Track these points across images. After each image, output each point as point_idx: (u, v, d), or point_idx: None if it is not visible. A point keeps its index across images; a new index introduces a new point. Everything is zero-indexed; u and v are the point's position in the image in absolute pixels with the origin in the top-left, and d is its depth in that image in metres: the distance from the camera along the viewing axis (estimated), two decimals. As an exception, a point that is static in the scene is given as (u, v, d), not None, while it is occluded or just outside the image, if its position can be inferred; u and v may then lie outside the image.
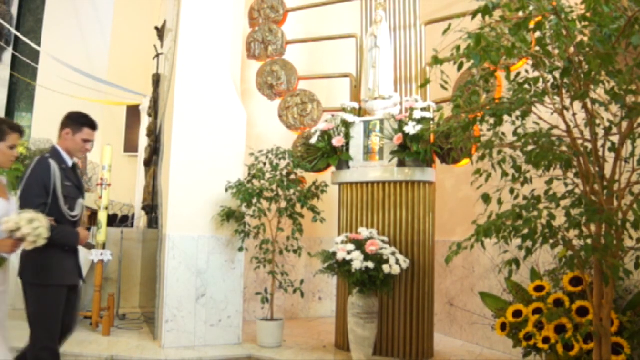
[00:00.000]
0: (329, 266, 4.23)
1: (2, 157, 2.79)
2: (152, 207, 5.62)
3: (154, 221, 5.39)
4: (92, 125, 3.13)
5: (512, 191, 2.51)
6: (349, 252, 4.07)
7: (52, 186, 2.88)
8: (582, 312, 2.97)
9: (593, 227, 2.40)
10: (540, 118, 2.53)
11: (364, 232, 4.30)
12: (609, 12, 2.04)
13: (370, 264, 3.98)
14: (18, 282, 3.05)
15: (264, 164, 4.74)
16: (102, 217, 5.06)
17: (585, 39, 2.16)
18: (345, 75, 5.15)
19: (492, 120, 2.50)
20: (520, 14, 2.17)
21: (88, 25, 9.27)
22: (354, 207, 4.62)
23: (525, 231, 2.28)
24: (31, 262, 2.89)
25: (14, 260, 2.93)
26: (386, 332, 4.35)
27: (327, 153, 4.75)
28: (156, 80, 6.25)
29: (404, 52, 4.79)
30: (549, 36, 2.25)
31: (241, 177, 4.76)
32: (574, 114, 2.45)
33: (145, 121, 6.98)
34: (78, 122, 3.09)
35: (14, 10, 9.66)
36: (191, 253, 4.54)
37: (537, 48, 2.28)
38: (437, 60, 2.38)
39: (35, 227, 2.54)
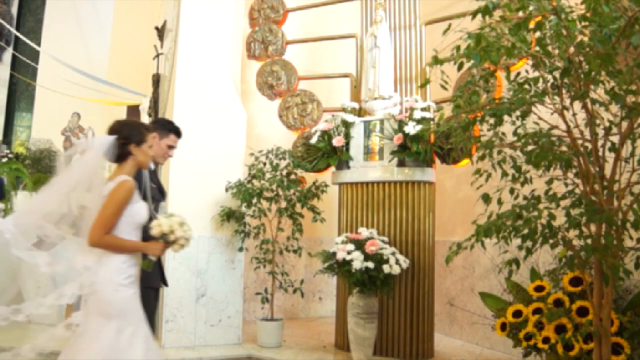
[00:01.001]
0: (329, 266, 4.23)
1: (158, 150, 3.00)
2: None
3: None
4: (178, 132, 3.16)
5: (512, 191, 2.51)
6: (349, 252, 4.07)
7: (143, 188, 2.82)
8: (582, 312, 2.97)
9: (593, 227, 2.40)
10: (540, 118, 2.53)
11: (364, 232, 4.30)
12: (609, 12, 2.04)
13: (370, 264, 3.98)
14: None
15: (264, 164, 4.74)
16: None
17: (585, 39, 2.16)
18: (345, 75, 5.15)
19: (492, 120, 2.50)
20: (520, 14, 2.17)
21: (88, 25, 9.26)
22: (354, 207, 4.62)
23: (525, 231, 2.28)
24: None
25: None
26: (386, 332, 4.35)
27: (327, 153, 4.75)
28: (156, 80, 6.25)
29: (404, 52, 4.79)
30: (549, 36, 2.25)
31: (241, 177, 4.76)
32: (574, 114, 2.45)
33: (145, 121, 6.96)
34: (165, 127, 3.12)
35: (14, 10, 9.66)
36: (191, 253, 4.53)
37: (537, 48, 2.28)
38: (437, 60, 2.38)
39: (186, 230, 2.52)
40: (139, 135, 2.59)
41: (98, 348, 2.26)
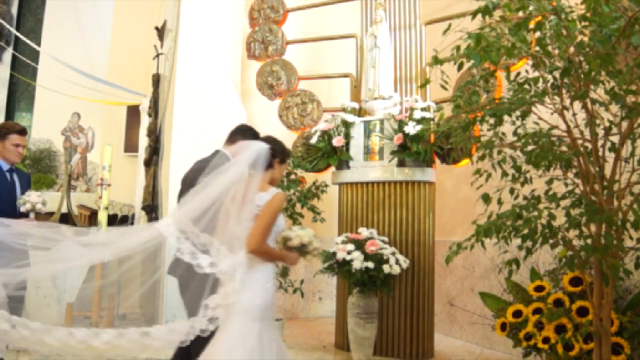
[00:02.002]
0: (329, 266, 4.23)
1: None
2: (152, 207, 5.61)
3: (154, 221, 5.38)
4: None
5: (512, 191, 2.51)
6: (349, 252, 4.07)
7: None
8: (582, 312, 2.97)
9: (593, 227, 2.40)
10: (540, 118, 2.52)
11: (364, 232, 4.30)
12: (609, 12, 2.04)
13: (370, 264, 3.98)
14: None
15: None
16: (102, 217, 5.05)
17: (585, 39, 2.16)
18: (345, 75, 5.15)
19: (492, 120, 2.50)
20: (520, 14, 2.17)
21: (88, 25, 9.26)
22: (354, 207, 4.62)
23: (525, 231, 2.28)
24: None
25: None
26: (386, 332, 4.35)
27: (327, 153, 4.75)
28: (156, 80, 6.25)
29: (404, 52, 4.79)
30: (549, 36, 2.25)
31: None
32: (574, 114, 2.45)
33: (145, 121, 6.97)
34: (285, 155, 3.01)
35: (14, 10, 9.66)
36: (191, 253, 4.52)
37: (537, 48, 2.28)
38: (437, 60, 2.38)
39: (318, 242, 2.63)
40: (283, 155, 2.71)
41: (244, 350, 2.36)
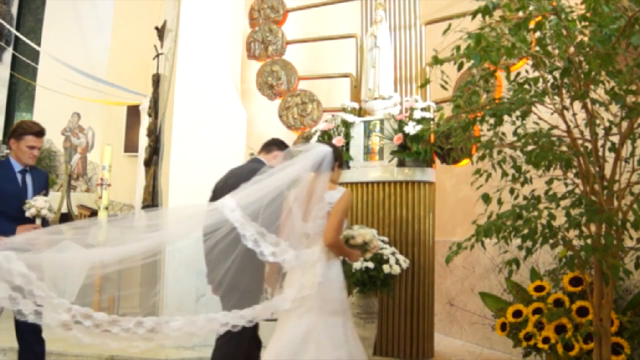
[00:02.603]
0: (329, 266, 4.22)
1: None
2: (152, 207, 5.61)
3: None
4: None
5: (512, 191, 2.51)
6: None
7: None
8: (582, 312, 2.97)
9: (593, 227, 2.40)
10: (540, 118, 2.52)
11: (364, 232, 4.30)
12: (609, 12, 2.04)
13: (370, 264, 3.98)
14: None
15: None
16: (102, 217, 5.06)
17: (585, 39, 2.16)
18: (345, 75, 5.15)
19: (492, 120, 2.50)
20: (520, 14, 2.17)
21: (88, 25, 9.26)
22: (354, 207, 4.62)
23: (525, 231, 2.28)
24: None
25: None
26: (386, 332, 4.35)
27: (327, 153, 4.75)
28: (156, 80, 6.25)
29: (404, 52, 4.79)
30: (549, 36, 2.25)
31: (241, 177, 4.76)
32: (574, 114, 2.45)
33: (145, 121, 6.97)
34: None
35: (14, 10, 9.66)
36: (191, 253, 4.53)
37: (537, 48, 2.28)
38: (437, 60, 2.38)
39: (377, 240, 2.92)
40: (341, 160, 2.94)
41: (334, 341, 2.48)
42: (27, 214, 3.26)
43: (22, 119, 9.70)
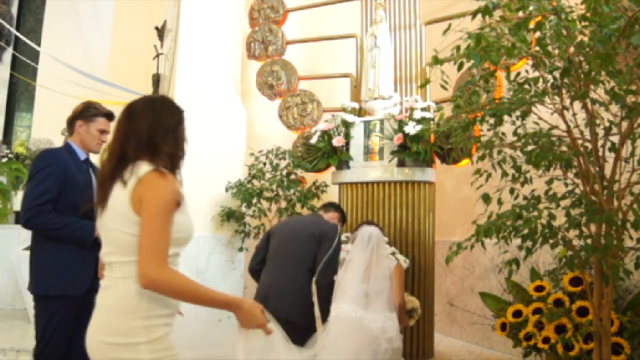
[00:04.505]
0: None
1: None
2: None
3: None
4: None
5: (512, 191, 2.50)
6: (348, 252, 4.06)
7: None
8: (582, 312, 2.97)
9: (593, 227, 2.40)
10: (540, 118, 2.53)
11: (364, 232, 4.30)
12: (609, 12, 2.04)
13: (370, 264, 3.98)
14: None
15: (264, 164, 4.73)
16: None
17: (585, 39, 2.16)
18: (345, 75, 5.15)
19: (492, 120, 2.50)
20: (520, 14, 2.17)
21: (88, 25, 9.25)
22: (354, 207, 4.62)
23: (525, 231, 2.28)
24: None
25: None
26: (386, 332, 4.35)
27: (327, 153, 4.75)
28: (156, 80, 6.24)
29: (404, 52, 4.79)
30: (549, 36, 2.25)
31: (241, 177, 4.76)
32: (574, 114, 2.45)
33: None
34: None
35: (14, 10, 9.65)
36: (191, 253, 4.53)
37: (537, 48, 2.28)
38: (437, 60, 2.38)
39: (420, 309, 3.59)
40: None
41: None
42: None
43: (22, 119, 9.70)
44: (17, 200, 7.53)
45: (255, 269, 3.30)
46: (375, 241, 3.26)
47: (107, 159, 1.63)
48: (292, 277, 3.07)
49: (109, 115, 2.85)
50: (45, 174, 2.51)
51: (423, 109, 4.36)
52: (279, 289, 3.05)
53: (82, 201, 2.55)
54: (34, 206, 2.44)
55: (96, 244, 2.49)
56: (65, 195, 2.52)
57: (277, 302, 2.91)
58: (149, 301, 1.55)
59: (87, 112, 2.83)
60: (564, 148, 2.43)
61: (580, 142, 2.41)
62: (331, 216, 3.53)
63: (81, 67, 7.64)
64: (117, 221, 1.56)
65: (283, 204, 4.70)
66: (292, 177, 4.75)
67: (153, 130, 1.61)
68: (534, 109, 2.48)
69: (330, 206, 3.65)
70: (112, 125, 1.99)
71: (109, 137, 2.36)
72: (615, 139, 2.41)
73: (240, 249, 4.70)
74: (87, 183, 2.64)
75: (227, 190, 4.67)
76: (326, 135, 4.75)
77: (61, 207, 2.50)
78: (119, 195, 1.56)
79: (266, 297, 2.99)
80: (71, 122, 2.80)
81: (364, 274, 3.11)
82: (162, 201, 1.51)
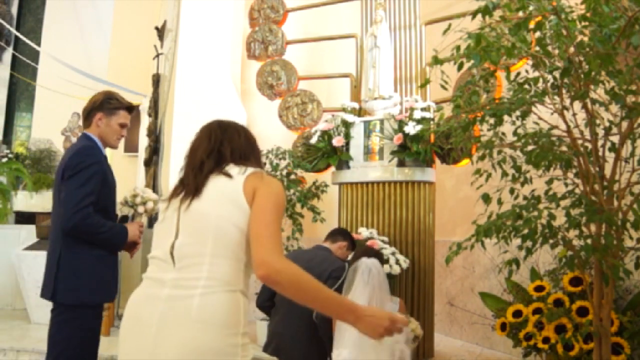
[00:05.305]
0: (329, 266, 4.23)
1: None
2: (152, 207, 5.61)
3: (154, 220, 5.38)
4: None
5: (512, 191, 2.51)
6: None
7: None
8: (582, 312, 2.97)
9: (593, 227, 2.40)
10: (540, 118, 2.53)
11: (364, 232, 4.30)
12: (609, 12, 2.04)
13: (370, 264, 3.98)
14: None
15: (264, 163, 4.73)
16: (102, 217, 5.05)
17: (585, 39, 2.16)
18: (345, 75, 5.15)
19: (492, 120, 2.50)
20: (520, 14, 2.17)
21: (88, 25, 9.26)
22: (354, 207, 4.62)
23: (525, 231, 2.28)
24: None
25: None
26: (386, 332, 4.34)
27: (327, 153, 4.75)
28: (156, 80, 6.25)
29: (404, 52, 4.79)
30: (549, 36, 2.25)
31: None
32: (574, 114, 2.45)
33: (145, 121, 6.97)
34: None
35: (14, 10, 9.66)
36: (191, 253, 4.53)
37: (537, 48, 2.28)
38: (437, 60, 2.38)
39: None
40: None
41: None
42: (140, 209, 2.78)
43: (22, 119, 9.71)
44: (17, 200, 7.54)
45: (263, 306, 3.34)
46: (376, 281, 3.01)
47: (199, 154, 1.60)
48: (303, 325, 3.03)
49: (130, 109, 2.59)
50: (90, 173, 2.31)
51: (423, 109, 4.36)
52: (290, 339, 3.06)
53: (111, 203, 2.48)
54: (81, 209, 2.24)
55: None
56: (101, 196, 2.36)
57: (290, 353, 2.99)
58: (245, 314, 1.38)
59: (108, 104, 2.50)
60: (564, 148, 2.43)
61: (580, 142, 2.41)
62: (339, 246, 3.37)
63: (81, 67, 7.64)
64: (224, 208, 1.43)
65: (283, 204, 4.69)
66: (292, 177, 4.75)
67: (247, 141, 1.67)
68: (534, 109, 2.48)
69: (338, 234, 3.45)
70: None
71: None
72: (615, 139, 2.41)
73: (240, 249, 4.69)
74: (114, 183, 2.51)
75: (227, 190, 4.67)
76: (326, 135, 4.75)
77: (96, 209, 2.31)
78: (226, 185, 1.48)
79: (277, 349, 3.05)
80: (89, 114, 2.50)
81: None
82: (279, 198, 1.43)
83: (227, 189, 1.47)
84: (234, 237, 1.39)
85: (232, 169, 1.53)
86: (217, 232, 1.41)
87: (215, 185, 1.50)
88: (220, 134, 1.65)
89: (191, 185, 1.54)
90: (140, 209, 2.69)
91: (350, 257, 3.35)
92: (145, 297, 1.44)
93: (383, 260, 3.36)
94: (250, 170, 1.51)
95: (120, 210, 2.67)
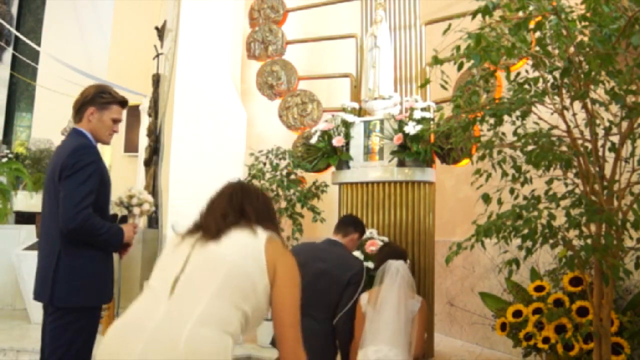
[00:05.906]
0: (329, 266, 4.22)
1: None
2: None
3: (154, 221, 5.39)
4: None
5: (512, 191, 2.50)
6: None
7: None
8: (582, 312, 2.97)
9: (593, 227, 2.40)
10: (540, 118, 2.53)
11: (364, 232, 4.30)
12: (609, 12, 2.04)
13: (371, 264, 3.98)
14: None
15: (264, 164, 4.73)
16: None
17: (585, 39, 2.16)
18: (345, 75, 5.15)
19: (492, 120, 2.50)
20: (520, 14, 2.17)
21: (88, 25, 9.27)
22: (354, 207, 4.62)
23: (525, 231, 2.28)
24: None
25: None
26: (386, 332, 4.35)
27: (327, 153, 4.75)
28: (156, 80, 6.26)
29: (404, 52, 4.79)
30: (549, 36, 2.25)
31: (241, 177, 4.76)
32: (574, 114, 2.45)
33: (145, 121, 6.98)
34: None
35: (14, 10, 9.67)
36: (191, 253, 4.53)
37: (537, 48, 2.28)
38: (437, 60, 2.38)
39: None
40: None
41: None
42: (136, 210, 2.75)
43: (22, 119, 9.71)
44: (17, 200, 7.54)
45: None
46: (401, 280, 3.12)
47: (223, 206, 1.66)
48: (323, 329, 3.02)
49: (124, 103, 2.50)
50: (89, 172, 2.27)
51: (423, 109, 4.36)
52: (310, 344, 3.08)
53: (107, 202, 2.45)
54: (82, 209, 2.20)
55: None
56: (99, 196, 2.32)
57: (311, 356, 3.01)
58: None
59: (100, 98, 2.40)
60: (564, 148, 2.43)
61: (580, 142, 2.41)
62: (351, 238, 3.30)
63: (81, 67, 7.64)
64: (242, 259, 1.48)
65: (283, 204, 4.70)
66: (292, 177, 4.75)
67: (266, 205, 1.72)
68: (534, 109, 2.48)
69: (349, 225, 3.33)
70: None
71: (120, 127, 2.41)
72: (615, 139, 2.41)
73: (240, 249, 4.69)
74: (110, 182, 2.46)
75: (227, 190, 4.67)
76: (326, 135, 4.74)
77: (94, 209, 2.27)
78: (248, 239, 1.54)
79: None
80: (80, 108, 2.41)
81: (397, 313, 3.01)
82: (295, 279, 1.53)
83: (249, 244, 1.53)
84: (244, 286, 1.43)
85: (256, 226, 1.59)
86: (228, 276, 1.43)
87: (238, 236, 1.56)
88: (242, 194, 1.72)
89: (212, 228, 1.57)
90: (136, 210, 2.64)
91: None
92: (124, 333, 1.38)
93: (407, 258, 3.42)
94: (269, 232, 1.59)
95: (115, 210, 2.65)
